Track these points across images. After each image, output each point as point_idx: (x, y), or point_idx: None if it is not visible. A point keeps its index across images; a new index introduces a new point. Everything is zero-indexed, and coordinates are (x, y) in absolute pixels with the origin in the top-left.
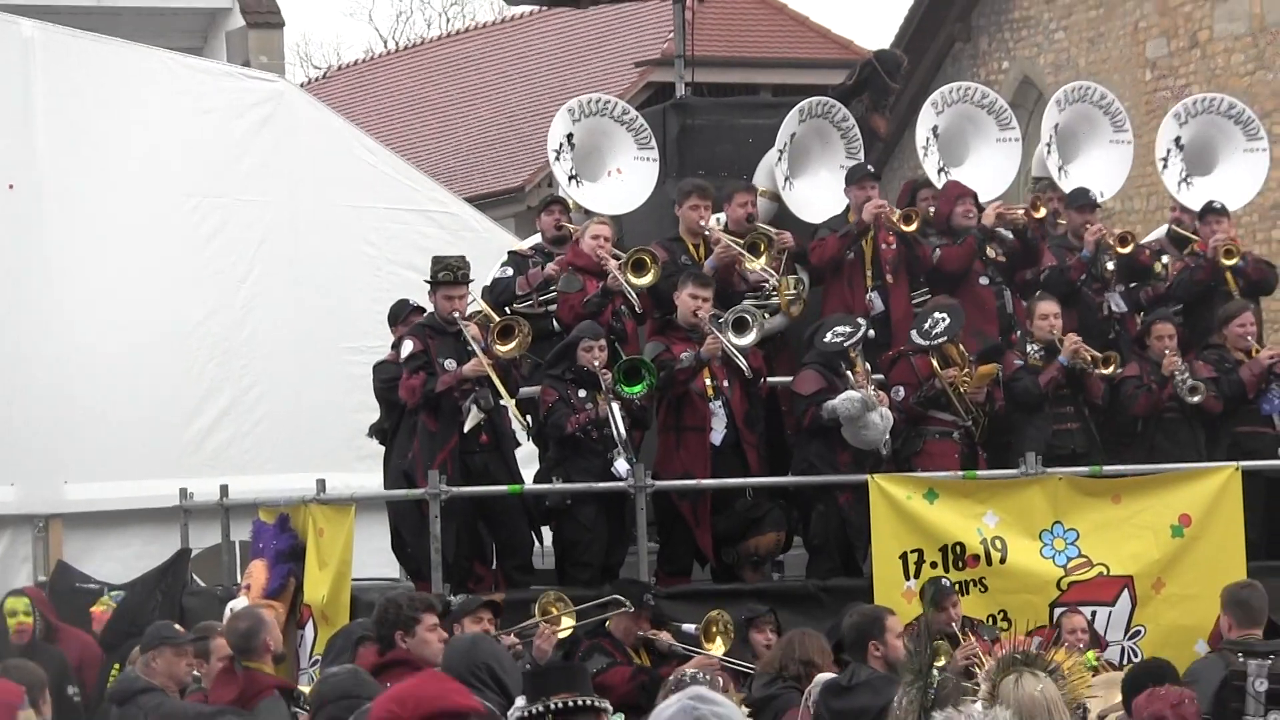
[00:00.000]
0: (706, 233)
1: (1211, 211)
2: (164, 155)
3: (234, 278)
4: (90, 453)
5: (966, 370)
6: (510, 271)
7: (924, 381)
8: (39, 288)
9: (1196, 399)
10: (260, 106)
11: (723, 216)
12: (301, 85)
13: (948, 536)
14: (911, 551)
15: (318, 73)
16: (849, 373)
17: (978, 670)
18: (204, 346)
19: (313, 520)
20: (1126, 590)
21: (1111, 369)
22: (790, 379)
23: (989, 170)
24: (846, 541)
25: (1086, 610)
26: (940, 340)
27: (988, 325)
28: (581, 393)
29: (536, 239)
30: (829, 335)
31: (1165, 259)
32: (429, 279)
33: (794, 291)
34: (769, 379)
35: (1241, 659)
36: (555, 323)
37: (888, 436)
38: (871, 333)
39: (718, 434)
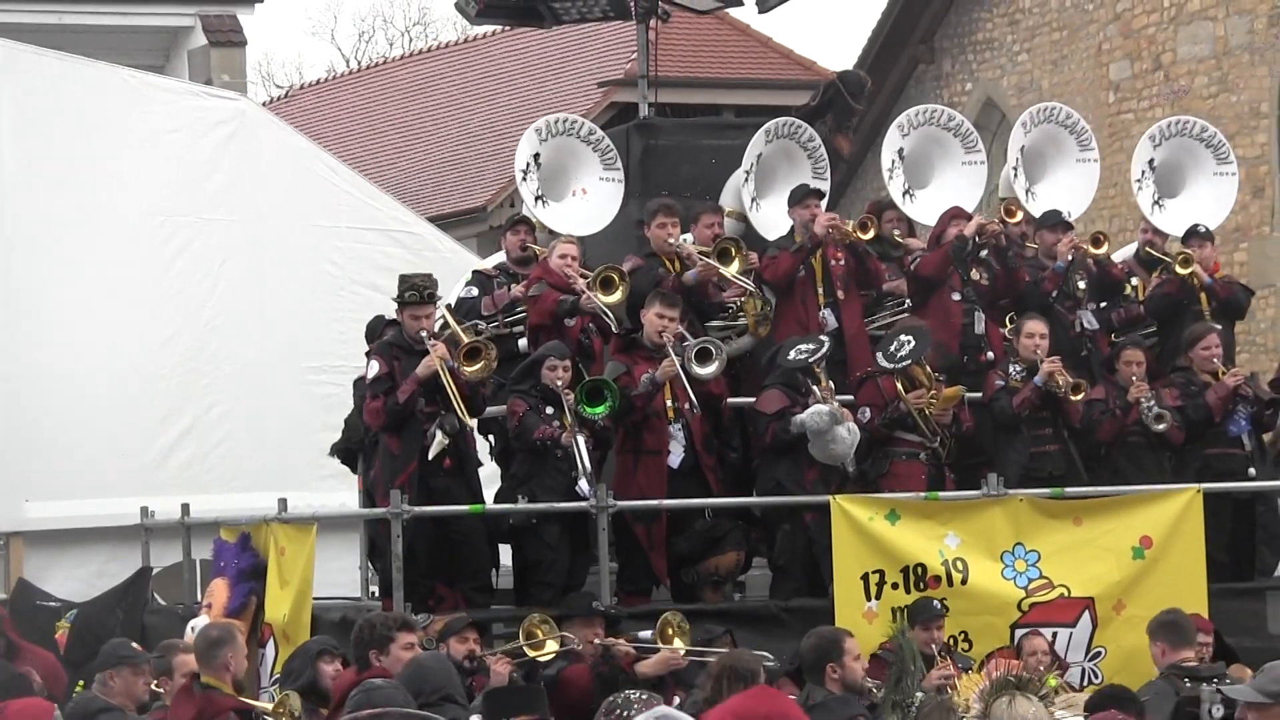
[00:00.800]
0: (677, 250)
1: (1195, 235)
2: (126, 174)
3: (196, 297)
4: (52, 471)
5: (932, 392)
6: (475, 291)
7: (890, 403)
8: (1, 306)
9: (1161, 428)
10: (223, 125)
11: (689, 237)
12: (264, 104)
13: (909, 557)
14: (873, 572)
15: (280, 92)
16: (814, 388)
17: (951, 692)
18: (166, 365)
19: (274, 539)
20: (1087, 612)
21: (1080, 396)
22: (746, 400)
23: (954, 193)
24: (812, 561)
25: (1047, 631)
26: (905, 363)
27: (950, 339)
28: (549, 409)
29: (500, 258)
30: (792, 353)
31: (1135, 280)
32: (396, 298)
33: (761, 312)
34: (736, 399)
35: (1189, 684)
36: (524, 335)
37: (853, 454)
38: (832, 347)
39: (676, 457)
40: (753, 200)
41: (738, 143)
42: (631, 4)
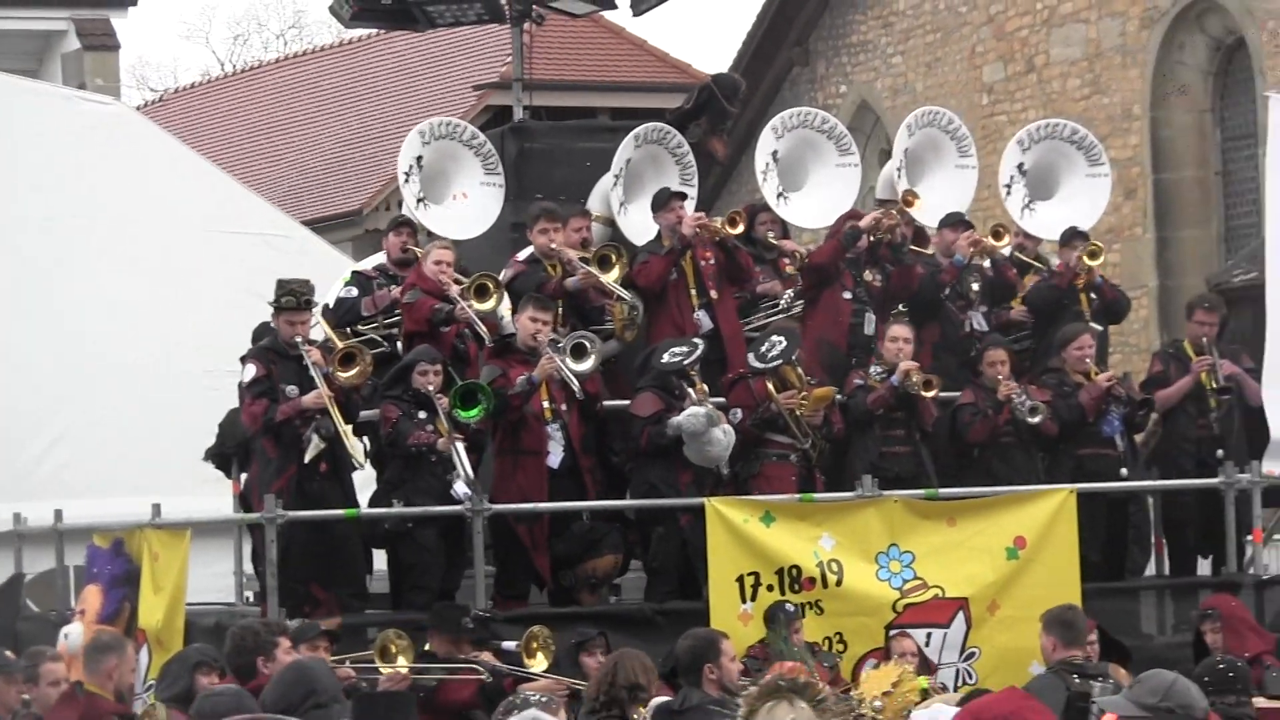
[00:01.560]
0: (559, 254)
1: (1076, 236)
2: (0, 178)
3: (69, 300)
4: None
5: (803, 393)
6: (355, 292)
7: (761, 404)
8: None
9: (1037, 419)
10: (97, 129)
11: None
12: (138, 108)
13: (784, 559)
14: (748, 574)
15: (154, 95)
16: (689, 390)
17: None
18: (40, 370)
19: (148, 545)
20: (961, 612)
21: (934, 393)
22: (622, 403)
23: (828, 195)
24: (687, 563)
25: (921, 632)
26: (776, 363)
27: (839, 337)
28: (422, 414)
29: (379, 259)
30: (665, 356)
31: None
32: (272, 303)
33: (627, 317)
34: (609, 403)
35: (1078, 680)
36: (400, 340)
37: (728, 455)
38: (706, 349)
39: (555, 457)
40: (621, 205)
41: (612, 146)
42: (506, 7)
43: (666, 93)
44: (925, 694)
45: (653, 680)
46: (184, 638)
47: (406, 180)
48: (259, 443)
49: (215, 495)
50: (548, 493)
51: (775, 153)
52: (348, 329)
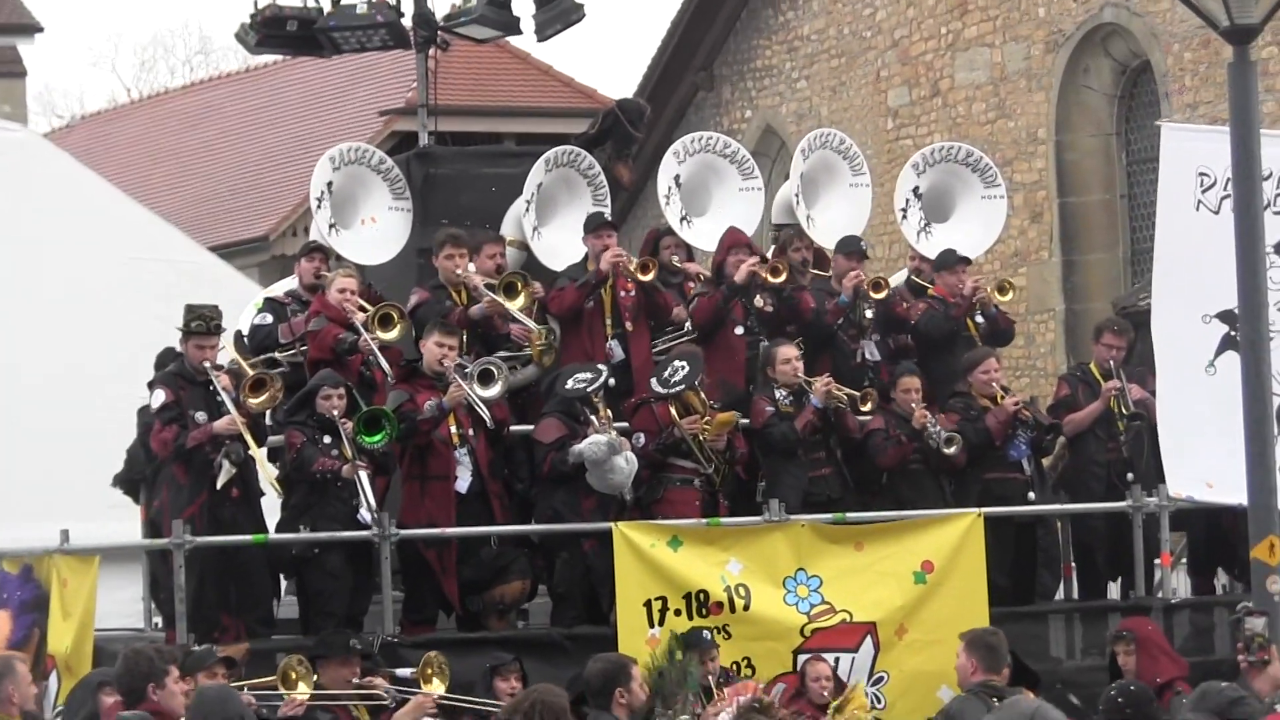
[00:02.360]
0: (465, 280)
1: (958, 260)
2: None
3: None
4: None
5: (706, 418)
6: (269, 318)
7: (664, 429)
8: None
9: (952, 450)
10: (4, 156)
11: (472, 267)
12: (45, 135)
13: (691, 584)
14: (656, 599)
15: (61, 122)
16: (592, 418)
17: None
18: None
19: (56, 571)
20: (870, 637)
21: (869, 406)
22: (526, 428)
23: (731, 219)
24: (591, 589)
25: (830, 657)
26: (679, 388)
27: (735, 375)
28: (327, 439)
29: (291, 284)
30: (570, 382)
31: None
32: (181, 328)
33: (545, 342)
34: (518, 428)
35: (997, 702)
36: (305, 363)
37: (631, 482)
38: (612, 380)
39: (463, 482)
40: (534, 229)
41: (518, 171)
42: (410, 33)
43: (572, 118)
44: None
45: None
46: (93, 663)
47: (319, 205)
48: (169, 469)
49: (123, 521)
50: (456, 518)
51: (678, 177)
52: (260, 355)
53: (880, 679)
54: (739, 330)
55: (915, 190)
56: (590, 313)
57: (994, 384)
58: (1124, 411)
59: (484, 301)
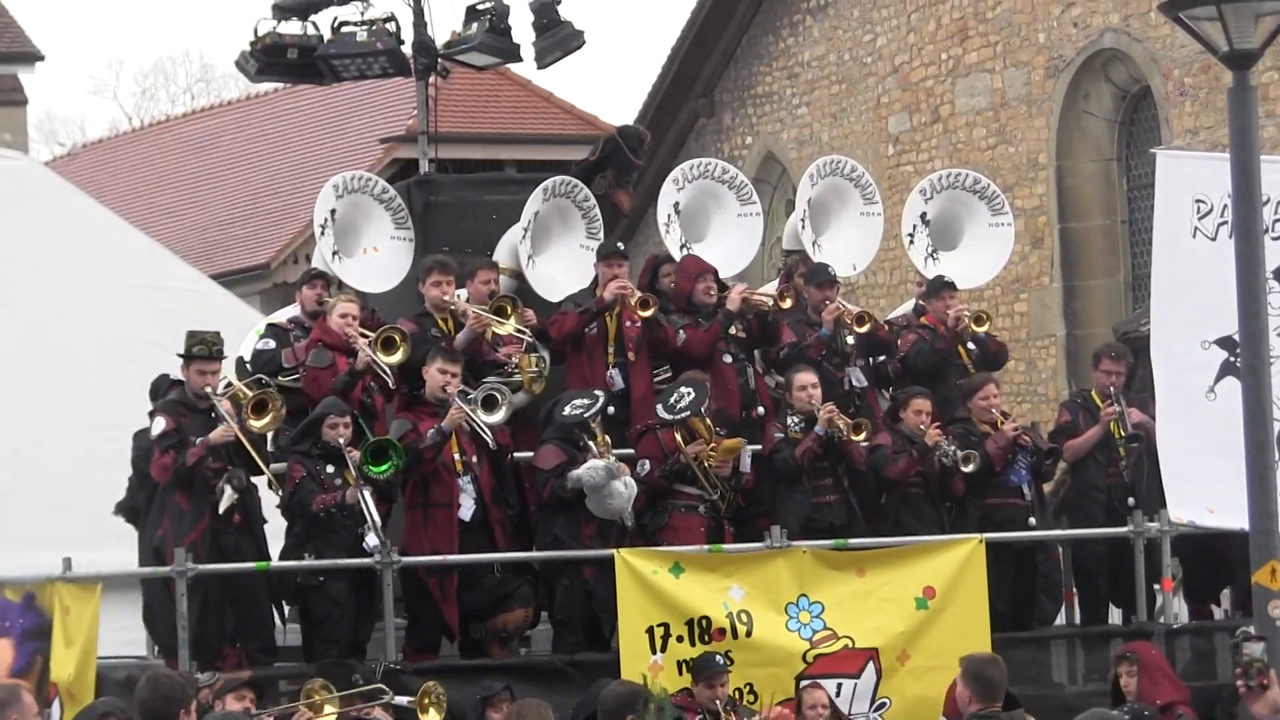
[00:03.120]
0: (452, 307)
1: (944, 286)
2: None
3: None
4: None
5: (712, 444)
6: (273, 344)
7: (670, 455)
8: None
9: (971, 467)
10: (4, 184)
11: (464, 293)
12: (46, 163)
13: (694, 610)
14: (658, 625)
15: (62, 150)
16: (590, 443)
17: None
18: None
19: (59, 598)
20: (871, 663)
21: (863, 435)
22: (525, 455)
23: (730, 245)
24: (592, 615)
25: (832, 683)
26: (685, 414)
27: (730, 404)
28: (330, 468)
29: (293, 311)
30: (568, 408)
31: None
32: (182, 353)
33: (535, 369)
34: (514, 455)
35: None
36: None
37: (631, 507)
38: (611, 409)
39: (466, 510)
40: (529, 257)
41: (518, 198)
42: (411, 61)
43: (572, 145)
44: None
45: None
46: (96, 691)
47: (322, 233)
48: (171, 497)
49: (125, 549)
50: (458, 545)
51: (677, 204)
52: (264, 380)
53: (882, 705)
54: (728, 359)
55: (923, 216)
56: (593, 340)
57: (993, 409)
58: (1123, 435)
59: (470, 320)
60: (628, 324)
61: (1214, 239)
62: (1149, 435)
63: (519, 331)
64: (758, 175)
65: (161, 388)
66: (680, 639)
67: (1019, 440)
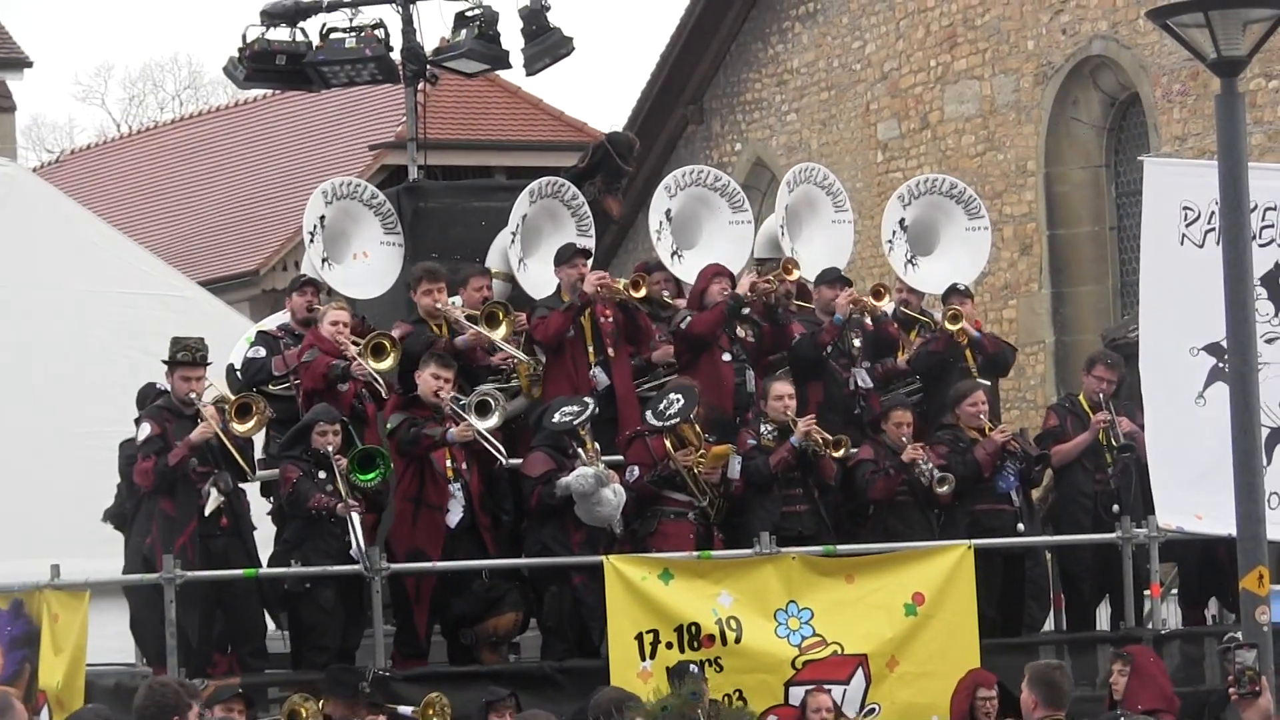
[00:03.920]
0: (444, 314)
1: (955, 293)
2: None
3: None
4: None
5: (701, 451)
6: (263, 352)
7: (659, 462)
8: None
9: (945, 489)
10: None
11: (459, 300)
12: (34, 169)
13: (683, 617)
14: (647, 632)
15: (50, 157)
16: (579, 450)
17: None
18: None
19: (47, 606)
20: (861, 669)
21: (843, 452)
22: (515, 461)
23: (721, 253)
24: (581, 622)
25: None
26: (674, 421)
27: (724, 401)
28: (322, 474)
29: (283, 318)
30: (557, 415)
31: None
32: (167, 360)
33: (534, 372)
34: (511, 460)
35: None
36: (298, 395)
37: (620, 514)
38: (597, 409)
39: (454, 516)
40: (520, 261)
41: (507, 204)
42: (400, 67)
43: (562, 151)
44: None
45: None
46: (85, 698)
47: (311, 240)
48: (158, 504)
49: (114, 556)
50: (444, 551)
51: (669, 211)
52: (253, 388)
53: (872, 711)
54: (726, 357)
55: (901, 222)
56: (572, 341)
57: (980, 416)
58: (1113, 444)
59: (468, 334)
60: (603, 320)
61: (1201, 246)
62: (1138, 444)
63: (509, 339)
64: (747, 182)
65: (149, 396)
66: (670, 645)
67: (1007, 446)
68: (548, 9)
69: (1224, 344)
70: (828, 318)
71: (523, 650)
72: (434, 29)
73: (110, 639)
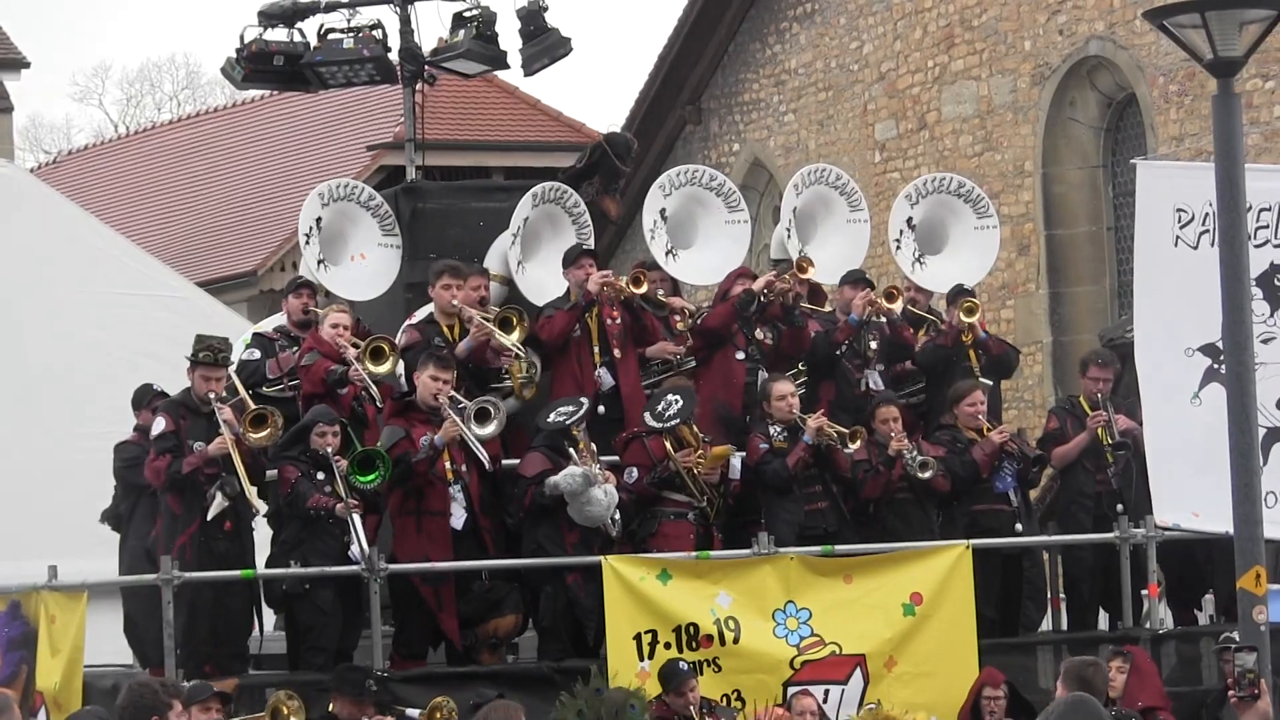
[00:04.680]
0: (459, 312)
1: (962, 293)
2: None
3: None
4: None
5: (700, 451)
6: (258, 354)
7: (658, 463)
8: None
9: (927, 474)
10: None
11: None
12: (32, 170)
13: (681, 617)
14: (646, 632)
15: (48, 157)
16: (571, 450)
17: None
18: None
19: (45, 607)
20: (859, 669)
21: (858, 444)
22: (514, 462)
23: (717, 252)
24: (576, 622)
25: (819, 689)
26: (673, 422)
27: (733, 399)
28: (320, 475)
29: (279, 320)
30: (552, 415)
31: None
32: (189, 356)
33: (526, 375)
34: (505, 462)
35: None
36: (297, 397)
37: (616, 515)
38: (601, 408)
39: (458, 518)
40: (519, 264)
41: (505, 205)
42: (398, 68)
43: (560, 152)
44: None
45: None
46: (82, 699)
47: (307, 242)
48: (164, 500)
49: (111, 557)
50: (450, 553)
51: (664, 210)
52: (253, 391)
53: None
54: (739, 355)
55: (909, 221)
56: (578, 341)
57: (979, 416)
58: (1112, 442)
59: (474, 328)
60: (609, 321)
61: (1195, 248)
62: (1137, 442)
63: (518, 346)
64: (745, 182)
65: (144, 398)
66: (668, 645)
67: (1005, 447)
68: (545, 9)
69: (1219, 345)
70: (844, 318)
71: (521, 651)
72: (432, 29)
73: (108, 640)
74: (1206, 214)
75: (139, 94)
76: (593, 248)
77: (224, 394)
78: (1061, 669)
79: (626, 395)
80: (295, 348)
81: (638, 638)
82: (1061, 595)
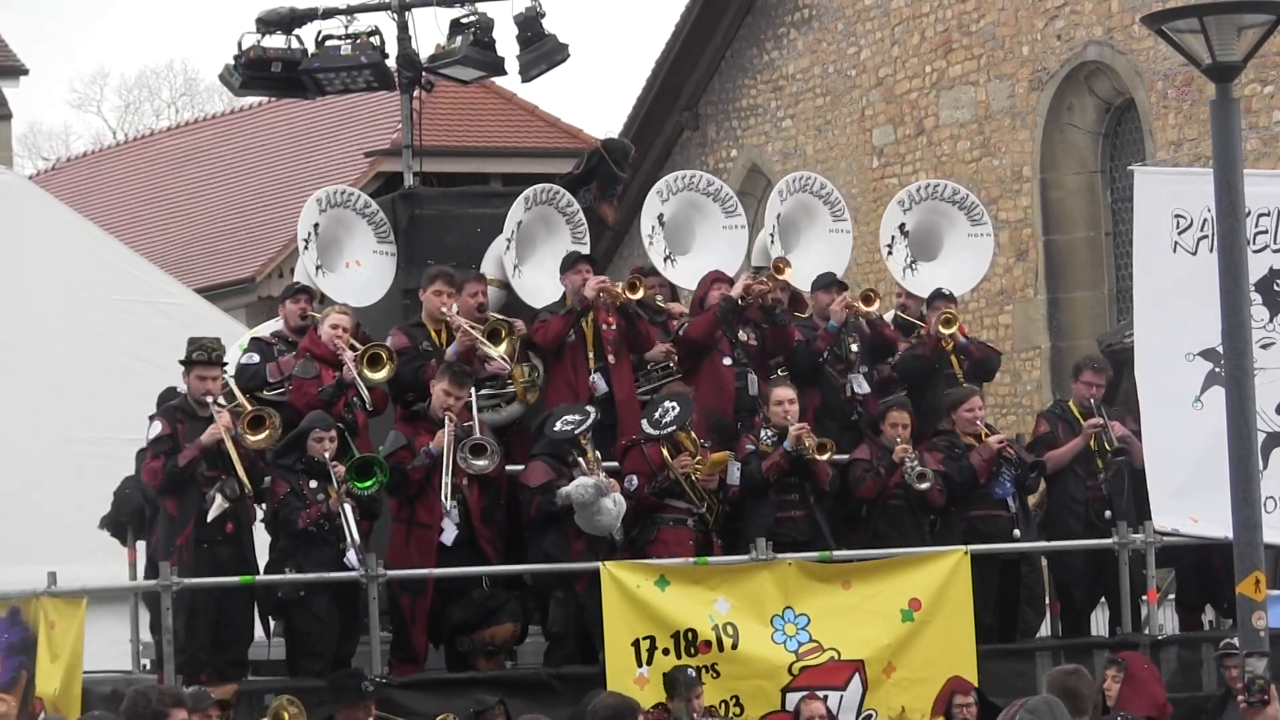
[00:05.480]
0: (449, 319)
1: (940, 298)
2: None
3: None
4: None
5: (698, 458)
6: (257, 358)
7: (657, 470)
8: None
9: (924, 486)
10: None
11: (455, 305)
12: (30, 177)
13: (680, 623)
14: (644, 638)
15: (46, 164)
16: (580, 460)
17: None
18: None
19: (44, 613)
20: (857, 675)
21: (827, 456)
22: (517, 468)
23: (715, 257)
24: (584, 629)
25: (819, 695)
26: (671, 429)
27: (724, 405)
28: (313, 483)
29: (277, 325)
30: (559, 424)
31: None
32: (183, 359)
33: (529, 379)
34: (508, 468)
35: None
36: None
37: (620, 523)
38: (598, 417)
39: (449, 535)
40: (515, 267)
41: (502, 211)
42: (395, 74)
43: (557, 158)
44: None
45: None
46: (81, 706)
47: (305, 248)
48: (162, 504)
49: (111, 563)
50: (438, 567)
51: (661, 216)
52: (252, 395)
53: (868, 717)
54: (727, 361)
55: (901, 227)
56: (573, 346)
57: (977, 422)
58: (1106, 449)
59: (459, 335)
60: (604, 326)
61: (1194, 253)
62: (1131, 449)
63: (504, 360)
64: (742, 188)
65: (168, 400)
66: (666, 651)
67: (1003, 452)
68: (543, 15)
69: (1219, 350)
70: (823, 323)
71: (520, 657)
72: (429, 36)
73: (107, 646)
74: (1205, 219)
75: (137, 101)
76: (589, 252)
77: (221, 399)
78: (1045, 679)
79: (621, 401)
80: (293, 353)
81: (636, 643)
82: (1057, 601)
